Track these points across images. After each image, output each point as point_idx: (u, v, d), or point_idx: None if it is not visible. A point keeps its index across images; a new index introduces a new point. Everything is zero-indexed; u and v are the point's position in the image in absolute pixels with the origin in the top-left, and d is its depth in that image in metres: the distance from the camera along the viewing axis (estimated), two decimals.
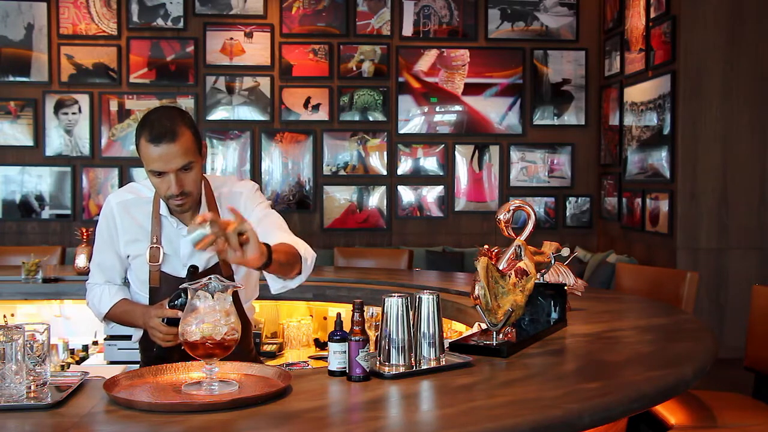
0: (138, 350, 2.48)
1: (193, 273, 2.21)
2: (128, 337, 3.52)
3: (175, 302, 2.09)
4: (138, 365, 2.53)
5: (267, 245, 1.90)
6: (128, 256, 2.34)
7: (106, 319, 2.41)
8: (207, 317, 1.72)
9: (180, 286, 1.82)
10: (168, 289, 2.24)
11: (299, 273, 2.16)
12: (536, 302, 2.37)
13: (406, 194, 7.30)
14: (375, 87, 7.22)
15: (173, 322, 2.05)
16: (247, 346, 2.46)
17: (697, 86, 5.67)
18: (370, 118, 7.23)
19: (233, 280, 2.22)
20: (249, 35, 7.11)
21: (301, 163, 7.21)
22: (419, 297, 1.89)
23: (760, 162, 5.71)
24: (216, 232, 1.72)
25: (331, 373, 1.81)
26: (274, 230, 2.22)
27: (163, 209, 2.28)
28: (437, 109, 7.30)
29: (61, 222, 7.02)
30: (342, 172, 7.25)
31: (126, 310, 2.33)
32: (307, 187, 7.21)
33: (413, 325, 1.87)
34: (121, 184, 6.99)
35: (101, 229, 2.36)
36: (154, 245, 2.27)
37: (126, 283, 2.44)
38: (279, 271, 2.06)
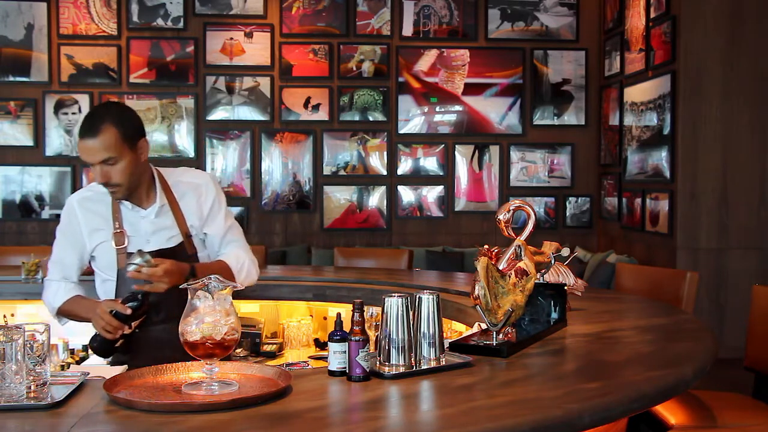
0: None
1: (140, 253, 2.39)
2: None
3: (129, 304, 2.29)
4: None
5: (192, 268, 2.37)
6: (93, 248, 2.51)
7: (59, 314, 2.57)
8: (207, 317, 1.72)
9: (181, 286, 1.82)
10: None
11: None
12: (536, 302, 2.37)
13: (406, 194, 7.30)
14: (375, 87, 7.22)
15: (120, 318, 2.29)
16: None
17: (697, 86, 5.67)
18: (370, 118, 7.23)
19: (197, 259, 2.52)
20: (249, 35, 7.11)
21: (301, 163, 7.21)
22: (419, 297, 1.89)
23: (760, 162, 5.70)
24: (148, 261, 2.26)
25: (331, 373, 1.81)
26: (233, 245, 2.60)
27: None
28: (437, 109, 7.30)
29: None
30: (342, 172, 7.25)
31: (77, 302, 2.51)
32: (307, 187, 7.21)
33: (413, 325, 1.87)
34: None
35: (63, 226, 2.56)
36: (117, 230, 2.47)
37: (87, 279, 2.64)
38: None
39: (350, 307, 1.82)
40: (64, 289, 2.55)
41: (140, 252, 2.31)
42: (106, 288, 2.54)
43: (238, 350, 3.45)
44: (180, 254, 2.47)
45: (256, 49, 7.11)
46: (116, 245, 2.46)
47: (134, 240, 2.47)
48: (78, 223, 2.51)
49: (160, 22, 7.05)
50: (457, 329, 2.99)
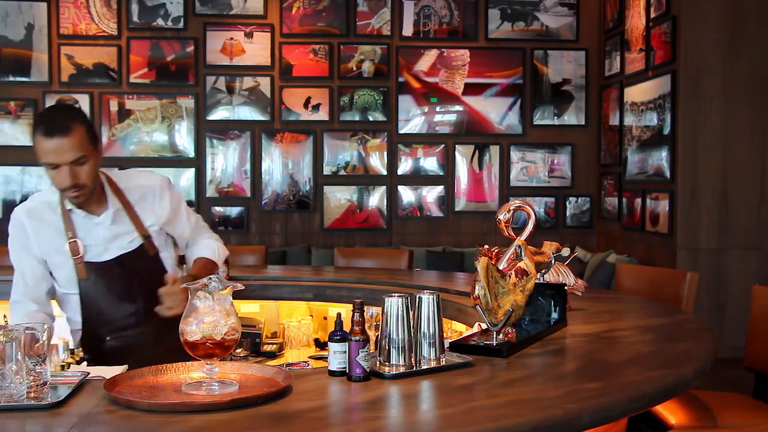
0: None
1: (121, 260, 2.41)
2: None
3: None
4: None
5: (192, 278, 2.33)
6: (45, 261, 2.40)
7: None
8: (207, 317, 1.72)
9: (181, 286, 1.83)
10: (97, 276, 2.37)
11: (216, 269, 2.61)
12: (536, 302, 2.37)
13: (406, 194, 7.30)
14: (375, 87, 7.22)
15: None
16: None
17: (697, 86, 5.67)
18: (370, 118, 7.23)
19: (160, 258, 2.48)
20: (249, 35, 7.11)
21: (301, 163, 7.21)
22: (419, 297, 1.89)
23: (760, 162, 5.70)
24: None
25: (331, 373, 1.81)
26: (204, 236, 2.67)
27: (69, 204, 2.38)
28: (437, 109, 7.30)
29: None
30: (342, 172, 7.25)
31: None
32: (308, 187, 7.21)
33: (413, 325, 1.87)
34: None
35: (13, 241, 2.40)
36: (72, 240, 2.36)
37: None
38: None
39: (350, 307, 1.82)
40: (26, 314, 2.34)
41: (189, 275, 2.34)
42: (71, 304, 2.45)
43: (238, 350, 3.45)
44: (142, 256, 2.44)
45: (256, 49, 7.11)
46: (72, 255, 2.37)
47: (90, 249, 2.39)
48: (26, 235, 2.39)
49: (160, 22, 7.05)
50: (457, 329, 2.99)
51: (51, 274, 2.43)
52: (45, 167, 2.27)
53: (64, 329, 3.98)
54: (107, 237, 2.41)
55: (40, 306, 2.42)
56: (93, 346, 2.48)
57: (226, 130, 7.14)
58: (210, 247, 2.64)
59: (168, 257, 2.54)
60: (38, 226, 2.39)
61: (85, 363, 2.50)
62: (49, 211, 2.40)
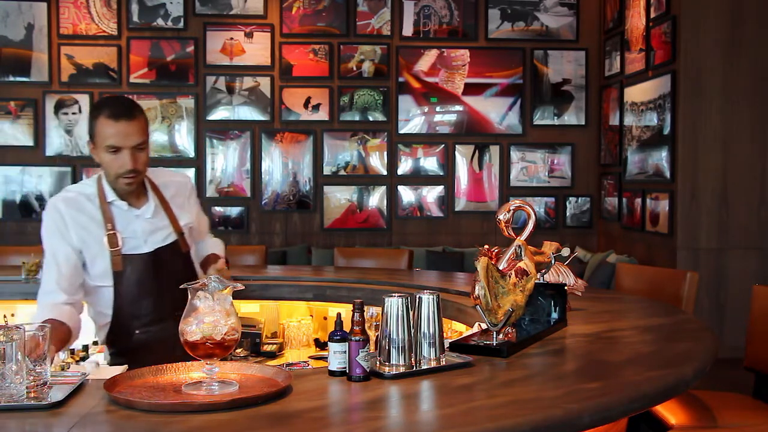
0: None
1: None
2: None
3: None
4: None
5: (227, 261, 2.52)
6: (81, 252, 2.38)
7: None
8: (207, 317, 1.72)
9: (181, 287, 1.82)
10: (132, 269, 2.37)
11: None
12: (536, 302, 2.37)
13: (406, 194, 7.30)
14: (375, 87, 7.22)
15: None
16: None
17: (697, 86, 5.67)
18: (370, 118, 7.23)
19: (189, 255, 2.53)
20: (249, 35, 7.11)
21: (301, 163, 7.21)
22: (419, 297, 1.89)
23: (760, 162, 5.70)
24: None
25: (331, 373, 1.81)
26: (204, 230, 2.78)
27: (111, 195, 2.40)
28: (437, 109, 7.30)
29: None
30: (342, 172, 7.25)
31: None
32: (308, 187, 7.21)
33: (413, 325, 1.87)
34: None
35: (49, 229, 2.37)
36: (111, 231, 2.37)
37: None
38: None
39: (350, 307, 1.82)
40: (53, 306, 2.26)
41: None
42: (102, 297, 2.42)
43: (238, 350, 3.45)
44: (176, 252, 2.48)
45: (256, 49, 7.11)
46: (110, 247, 2.37)
47: (128, 241, 2.40)
48: (65, 224, 2.36)
49: (160, 22, 7.05)
50: (457, 329, 2.99)
51: (84, 266, 2.41)
52: (103, 151, 2.29)
53: None
54: (146, 230, 2.44)
55: (69, 296, 2.34)
56: (120, 340, 2.47)
57: (226, 130, 7.14)
58: (219, 246, 2.77)
59: (194, 255, 2.60)
60: (77, 215, 2.38)
61: (105, 358, 2.49)
62: (87, 202, 2.40)
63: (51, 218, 2.38)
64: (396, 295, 1.84)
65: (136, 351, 2.43)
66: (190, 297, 1.74)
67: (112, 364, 2.49)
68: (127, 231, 2.41)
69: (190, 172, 7.05)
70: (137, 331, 2.43)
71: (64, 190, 2.48)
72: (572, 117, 7.36)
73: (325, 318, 3.79)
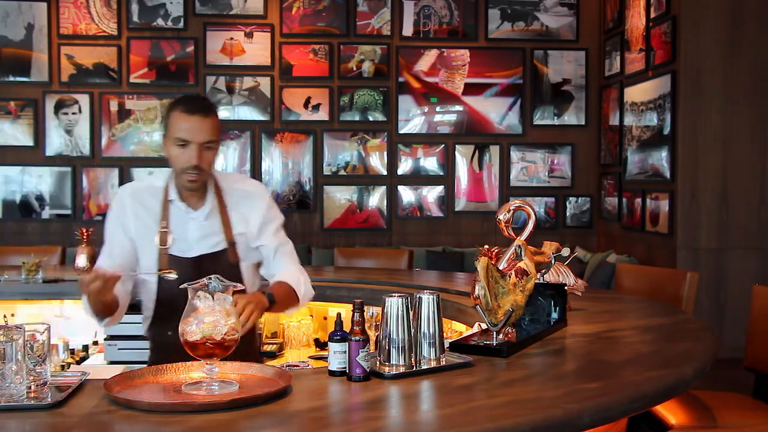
0: (137, 350, 2.51)
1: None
2: (129, 337, 3.54)
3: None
4: (138, 365, 2.53)
5: (270, 296, 2.19)
6: (135, 243, 2.39)
7: (92, 310, 2.27)
8: (207, 317, 1.72)
9: (181, 287, 1.81)
10: (177, 270, 2.27)
11: (295, 306, 2.44)
12: (536, 302, 2.37)
13: (406, 194, 7.30)
14: (375, 87, 7.22)
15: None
16: (252, 344, 2.55)
17: (697, 86, 5.67)
18: (370, 118, 7.23)
19: (239, 267, 2.41)
20: (249, 35, 7.11)
21: (301, 163, 7.21)
22: (419, 297, 1.89)
23: (760, 162, 5.70)
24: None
25: (331, 373, 1.81)
26: (286, 262, 2.49)
27: (173, 194, 2.39)
28: (437, 109, 7.30)
29: (61, 222, 7.02)
30: (342, 172, 7.25)
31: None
32: (307, 187, 7.21)
33: (413, 325, 1.87)
34: (121, 184, 6.99)
35: (113, 216, 2.42)
36: (163, 229, 2.36)
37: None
38: (278, 311, 2.36)
39: (350, 307, 1.82)
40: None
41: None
42: (148, 290, 2.42)
43: None
44: (222, 261, 2.39)
45: (256, 49, 7.11)
46: (159, 244, 2.35)
47: (177, 243, 2.36)
48: (125, 214, 2.39)
49: (160, 22, 7.05)
50: (457, 329, 2.99)
51: (137, 256, 2.41)
52: (172, 144, 2.29)
53: (63, 328, 3.99)
54: (197, 235, 2.39)
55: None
56: (157, 335, 2.46)
57: (226, 130, 7.14)
58: (293, 276, 2.44)
59: (246, 269, 2.46)
60: (139, 209, 2.40)
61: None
62: (152, 196, 2.41)
63: (116, 207, 2.42)
64: (396, 295, 1.84)
65: (168, 350, 2.33)
66: (189, 297, 1.74)
67: (152, 360, 2.46)
68: (179, 232, 2.38)
69: None
70: (169, 332, 2.38)
71: (137, 179, 2.47)
72: (572, 117, 7.36)
73: (325, 318, 3.79)
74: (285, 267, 2.47)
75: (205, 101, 2.34)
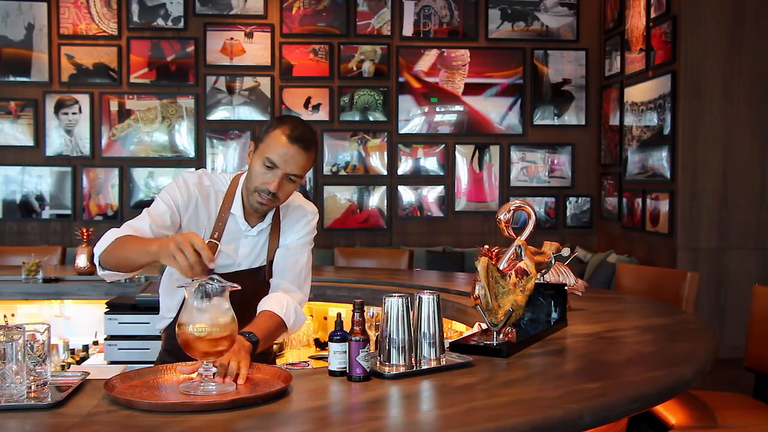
0: (137, 350, 2.48)
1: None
2: (129, 337, 3.53)
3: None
4: (138, 365, 2.53)
5: (251, 335, 2.00)
6: (180, 229, 2.26)
7: (107, 252, 2.07)
8: (204, 317, 1.72)
9: (178, 286, 1.81)
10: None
11: (283, 333, 2.30)
12: (536, 302, 2.37)
13: (407, 194, 7.30)
14: (375, 87, 7.22)
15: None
16: (267, 357, 2.52)
17: (697, 86, 5.67)
18: (371, 118, 7.23)
19: (268, 284, 2.33)
20: (249, 35, 7.11)
21: None
22: (419, 297, 1.89)
23: (760, 162, 5.70)
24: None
25: (332, 373, 1.81)
26: (288, 287, 2.31)
27: (236, 207, 2.28)
28: (437, 109, 7.30)
29: (61, 222, 7.02)
30: (342, 172, 7.25)
31: (140, 236, 2.06)
32: (308, 187, 7.21)
33: (413, 325, 1.87)
34: (121, 185, 7.00)
35: (174, 190, 2.24)
36: (213, 240, 2.24)
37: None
38: (263, 348, 2.12)
39: (350, 307, 1.82)
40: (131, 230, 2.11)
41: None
42: (177, 297, 2.32)
43: None
44: (257, 278, 2.33)
45: (257, 49, 7.11)
46: None
47: (221, 256, 2.23)
48: (188, 198, 2.24)
49: (160, 22, 7.05)
50: (457, 329, 2.99)
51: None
52: (259, 160, 2.16)
53: (63, 328, 3.99)
54: (243, 253, 2.31)
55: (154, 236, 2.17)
56: (173, 336, 2.41)
57: (227, 130, 7.14)
58: (280, 301, 2.24)
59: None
60: (199, 202, 2.27)
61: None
62: (214, 198, 2.29)
63: (181, 186, 2.26)
64: (396, 295, 1.84)
65: (182, 352, 2.33)
66: (186, 297, 1.74)
67: (160, 360, 2.39)
68: (227, 246, 2.29)
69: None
70: None
71: (206, 174, 2.34)
72: (572, 117, 7.36)
73: (325, 318, 3.79)
74: (275, 293, 2.30)
75: (311, 134, 2.20)
